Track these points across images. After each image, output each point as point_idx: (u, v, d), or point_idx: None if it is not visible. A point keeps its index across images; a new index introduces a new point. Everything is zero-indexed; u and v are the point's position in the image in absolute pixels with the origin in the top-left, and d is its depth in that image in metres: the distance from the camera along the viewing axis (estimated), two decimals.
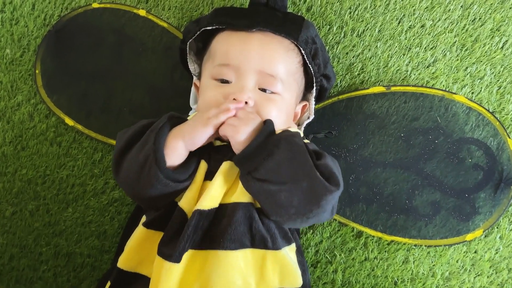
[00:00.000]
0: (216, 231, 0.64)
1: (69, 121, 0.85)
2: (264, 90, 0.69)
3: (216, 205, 0.65)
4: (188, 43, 0.75)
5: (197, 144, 0.65)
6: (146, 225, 0.67)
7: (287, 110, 0.72)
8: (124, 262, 0.67)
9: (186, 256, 0.63)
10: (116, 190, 0.83)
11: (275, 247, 0.66)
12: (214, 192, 0.64)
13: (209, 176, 0.67)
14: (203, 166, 0.67)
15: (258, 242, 0.65)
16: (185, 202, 0.65)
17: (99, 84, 0.85)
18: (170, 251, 0.63)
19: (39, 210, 0.83)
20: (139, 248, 0.67)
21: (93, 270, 0.81)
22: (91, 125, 0.85)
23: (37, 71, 0.86)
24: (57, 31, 0.86)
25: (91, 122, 0.85)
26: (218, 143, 0.70)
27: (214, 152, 0.69)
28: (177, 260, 0.62)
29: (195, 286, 0.62)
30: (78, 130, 0.84)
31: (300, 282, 0.67)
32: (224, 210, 0.65)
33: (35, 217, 0.83)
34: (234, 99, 0.67)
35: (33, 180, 0.84)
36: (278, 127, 0.70)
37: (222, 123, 0.65)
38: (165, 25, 0.86)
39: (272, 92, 0.70)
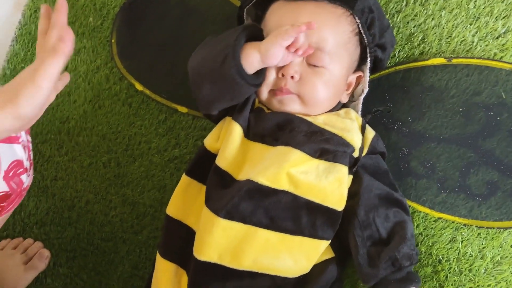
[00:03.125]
0: (276, 213, 0.67)
1: (139, 86, 0.93)
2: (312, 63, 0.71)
3: (273, 185, 0.66)
4: (245, 9, 0.78)
5: (271, 56, 0.66)
6: (187, 172, 0.74)
7: (335, 82, 0.72)
8: (171, 209, 0.74)
9: (238, 226, 0.67)
10: (176, 149, 0.91)
11: (328, 238, 0.70)
12: (272, 172, 0.66)
13: (261, 138, 0.71)
14: (237, 127, 0.71)
15: (316, 234, 0.68)
16: (222, 159, 0.70)
17: (165, 53, 0.92)
18: (217, 205, 0.68)
19: (111, 163, 0.93)
20: (183, 196, 0.74)
21: (153, 220, 0.90)
22: (157, 89, 0.92)
23: (113, 40, 0.95)
24: (130, 3, 0.94)
25: (158, 86, 0.92)
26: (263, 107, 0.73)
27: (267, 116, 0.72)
28: (225, 216, 0.66)
29: (245, 255, 0.67)
30: (146, 94, 0.92)
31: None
32: (283, 195, 0.67)
33: (108, 169, 0.94)
34: (282, 74, 0.70)
35: (107, 135, 0.94)
36: (326, 100, 0.72)
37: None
38: None
39: (318, 66, 0.71)
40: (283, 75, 0.71)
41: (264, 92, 0.73)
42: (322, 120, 0.72)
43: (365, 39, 0.73)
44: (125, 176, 0.93)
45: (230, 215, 0.67)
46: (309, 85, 0.71)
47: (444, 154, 0.79)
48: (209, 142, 0.75)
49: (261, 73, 0.70)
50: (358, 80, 0.78)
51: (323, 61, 0.70)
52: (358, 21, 0.71)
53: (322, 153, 0.68)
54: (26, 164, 0.70)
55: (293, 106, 0.72)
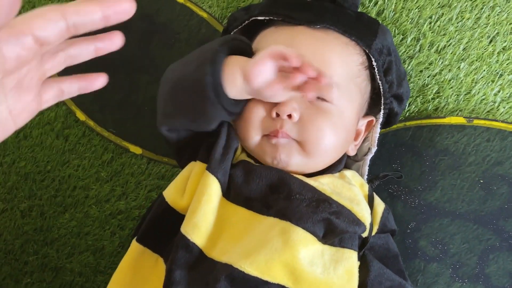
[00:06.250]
0: None
1: (81, 115, 0.73)
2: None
3: (265, 276, 0.48)
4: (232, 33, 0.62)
5: (253, 77, 0.49)
6: (139, 239, 0.53)
7: (345, 125, 0.56)
8: (114, 285, 0.53)
9: None
10: (122, 200, 0.70)
11: None
12: (265, 259, 0.48)
13: (246, 202, 0.52)
14: (215, 183, 0.52)
15: None
16: (191, 226, 0.50)
17: (120, 76, 0.73)
18: None
19: (32, 212, 0.71)
20: (132, 272, 0.53)
21: None
22: (104, 121, 0.72)
23: None
24: None
25: (105, 118, 0.73)
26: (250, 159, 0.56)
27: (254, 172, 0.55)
28: None
29: None
30: (90, 126, 0.72)
31: None
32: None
33: (27, 219, 0.71)
34: (276, 114, 0.53)
35: (31, 175, 0.72)
36: (333, 150, 0.55)
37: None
38: (205, 15, 0.73)
39: (324, 101, 0.54)
40: (278, 115, 0.53)
41: (254, 138, 0.55)
42: (327, 185, 0.55)
43: (381, 87, 0.58)
44: (49, 231, 0.70)
45: None
46: (314, 127, 0.53)
47: (459, 233, 0.65)
48: (172, 196, 0.55)
49: (240, 102, 0.54)
50: (369, 127, 0.62)
51: (330, 95, 0.54)
52: (375, 63, 0.57)
53: (328, 233, 0.51)
54: None
55: (291, 156, 0.54)
